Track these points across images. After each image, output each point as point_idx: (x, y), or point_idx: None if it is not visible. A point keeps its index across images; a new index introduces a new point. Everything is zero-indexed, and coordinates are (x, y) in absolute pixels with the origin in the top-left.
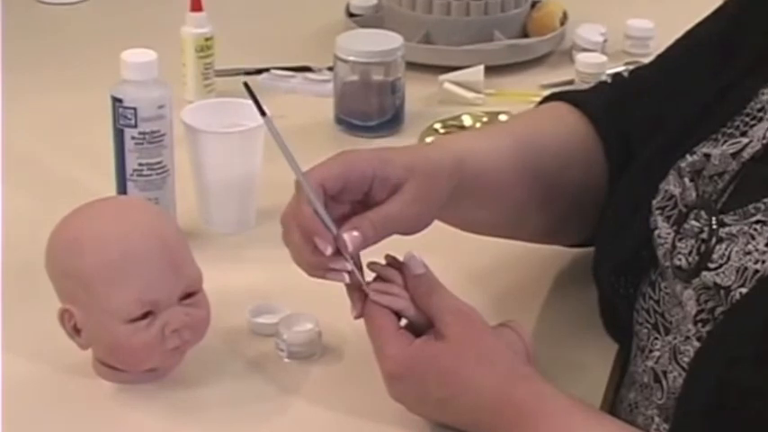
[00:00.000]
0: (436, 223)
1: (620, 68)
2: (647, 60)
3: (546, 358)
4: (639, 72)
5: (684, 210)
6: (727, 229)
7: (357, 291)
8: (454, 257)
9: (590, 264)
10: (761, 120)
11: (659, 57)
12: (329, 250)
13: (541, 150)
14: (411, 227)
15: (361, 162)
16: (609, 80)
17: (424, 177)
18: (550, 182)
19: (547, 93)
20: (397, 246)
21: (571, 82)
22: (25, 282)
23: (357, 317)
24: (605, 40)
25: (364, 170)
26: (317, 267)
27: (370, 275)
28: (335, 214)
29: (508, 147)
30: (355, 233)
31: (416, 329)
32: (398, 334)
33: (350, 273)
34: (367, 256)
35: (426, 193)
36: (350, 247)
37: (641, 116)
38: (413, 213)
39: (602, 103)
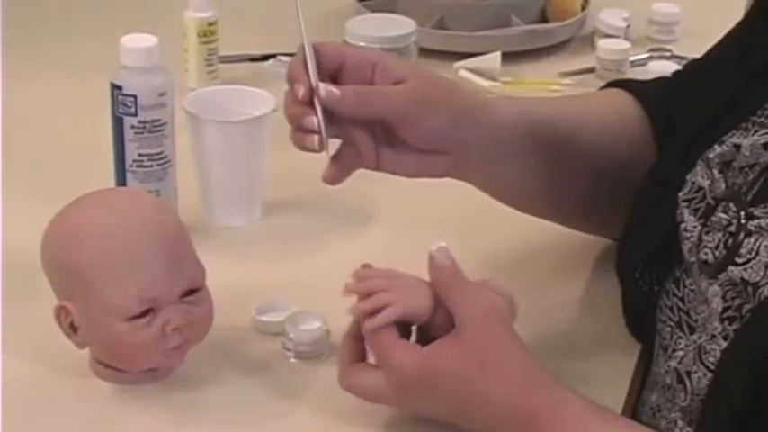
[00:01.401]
0: (458, 210)
1: (644, 55)
2: (671, 47)
3: (566, 359)
4: (693, 64)
5: (712, 202)
6: (756, 222)
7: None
8: (475, 248)
9: (613, 259)
10: None
11: (711, 48)
12: (301, 92)
13: (590, 124)
14: (402, 119)
15: (363, 49)
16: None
17: (433, 81)
18: (597, 154)
19: (566, 81)
20: (413, 239)
21: (592, 69)
22: (19, 277)
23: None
24: (628, 26)
25: (365, 54)
26: (294, 121)
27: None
28: None
29: (559, 116)
30: (333, 88)
31: (422, 329)
32: (401, 344)
33: (319, 136)
34: (377, 258)
35: (429, 92)
36: (323, 94)
37: (685, 104)
38: (405, 109)
39: (654, 90)
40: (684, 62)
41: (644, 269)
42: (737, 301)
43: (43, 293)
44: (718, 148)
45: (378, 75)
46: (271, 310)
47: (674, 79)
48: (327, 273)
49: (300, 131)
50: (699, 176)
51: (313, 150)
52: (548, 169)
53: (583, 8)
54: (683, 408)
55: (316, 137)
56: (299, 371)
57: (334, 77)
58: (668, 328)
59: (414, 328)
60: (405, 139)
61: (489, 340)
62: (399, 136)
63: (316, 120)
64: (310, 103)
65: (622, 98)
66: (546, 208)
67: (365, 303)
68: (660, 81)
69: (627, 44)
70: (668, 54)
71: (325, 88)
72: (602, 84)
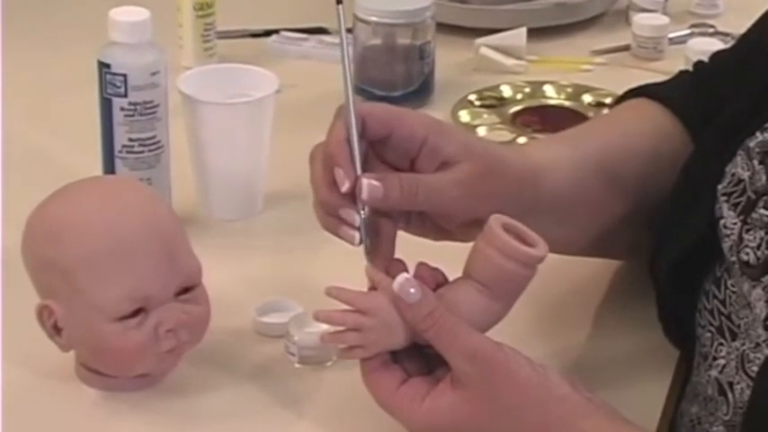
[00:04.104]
0: None
1: (684, 32)
2: (714, 22)
3: (598, 368)
4: (720, 55)
5: (753, 196)
6: None
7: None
8: None
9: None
10: None
11: (740, 37)
12: (346, 185)
13: (630, 157)
14: (447, 213)
15: (414, 118)
16: (690, 69)
17: (484, 167)
18: (641, 192)
19: (598, 59)
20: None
21: (627, 47)
22: None
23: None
24: None
25: (415, 129)
26: (329, 210)
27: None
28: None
29: (593, 157)
30: (376, 183)
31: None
32: (399, 398)
33: (358, 231)
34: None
35: (480, 184)
36: (365, 194)
37: (721, 94)
38: (454, 197)
39: (683, 93)
40: (728, 40)
41: (681, 268)
42: None
43: (24, 291)
44: (759, 136)
45: (425, 153)
46: (273, 311)
47: (702, 71)
48: (334, 270)
49: (333, 216)
50: (739, 167)
51: (349, 243)
52: (593, 224)
53: None
54: (726, 421)
55: (356, 233)
56: (303, 377)
57: (375, 143)
58: (708, 334)
59: None
60: (442, 225)
61: (498, 388)
62: (437, 222)
63: (357, 218)
64: (351, 194)
65: (656, 114)
66: (586, 253)
67: (335, 339)
68: (683, 79)
69: (665, 19)
70: (711, 30)
71: (368, 186)
72: (637, 62)
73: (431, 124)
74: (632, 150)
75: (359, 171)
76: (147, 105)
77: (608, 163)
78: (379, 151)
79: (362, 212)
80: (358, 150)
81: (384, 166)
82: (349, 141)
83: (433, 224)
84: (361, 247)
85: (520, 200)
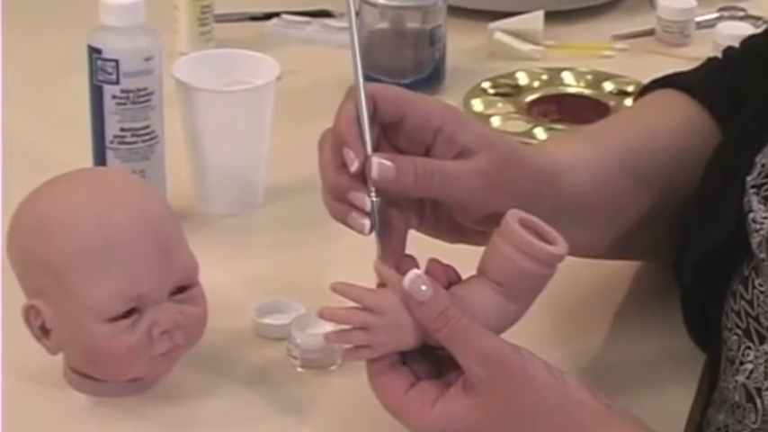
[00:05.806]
0: None
1: (713, 15)
2: (744, 5)
3: (618, 371)
4: (751, 41)
5: None
6: None
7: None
8: None
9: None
10: None
11: None
12: (355, 165)
13: (655, 155)
14: (463, 205)
15: (429, 104)
16: (719, 56)
17: (503, 159)
18: (667, 189)
19: (620, 45)
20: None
21: (651, 32)
22: None
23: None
24: None
25: (430, 116)
26: (338, 195)
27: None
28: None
29: (617, 156)
30: (388, 163)
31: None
32: (409, 401)
33: (368, 217)
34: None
35: (499, 176)
36: (375, 173)
37: (752, 81)
38: (471, 187)
39: (712, 83)
40: (759, 24)
41: (707, 266)
42: None
43: (9, 289)
44: None
45: (440, 141)
46: (274, 312)
47: (732, 58)
48: (339, 268)
49: (342, 202)
50: None
51: (359, 232)
52: (616, 226)
53: None
54: (755, 430)
55: (366, 221)
56: (306, 382)
57: (387, 128)
58: (735, 337)
59: None
60: (458, 220)
61: (514, 393)
62: (452, 217)
63: (368, 202)
64: (361, 175)
65: (682, 106)
66: (607, 255)
67: (341, 338)
68: (711, 66)
69: (693, 2)
70: (741, 14)
71: (378, 165)
72: (661, 48)
73: (446, 111)
74: (657, 147)
75: (369, 150)
76: (141, 93)
77: (632, 163)
78: (392, 138)
79: (373, 195)
80: (369, 130)
81: (398, 154)
82: (359, 120)
83: (447, 222)
84: (369, 246)
85: (541, 199)
